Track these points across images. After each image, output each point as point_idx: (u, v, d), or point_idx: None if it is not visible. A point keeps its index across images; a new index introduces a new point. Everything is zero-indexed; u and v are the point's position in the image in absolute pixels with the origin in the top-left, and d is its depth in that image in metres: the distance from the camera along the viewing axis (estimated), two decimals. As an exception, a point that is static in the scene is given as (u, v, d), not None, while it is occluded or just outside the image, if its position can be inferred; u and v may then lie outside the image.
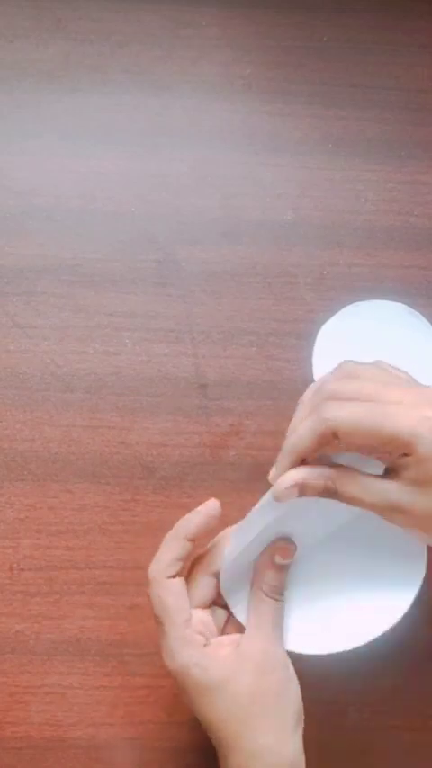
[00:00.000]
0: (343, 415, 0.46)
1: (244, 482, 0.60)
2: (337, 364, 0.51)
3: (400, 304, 0.64)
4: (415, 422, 0.45)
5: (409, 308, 0.64)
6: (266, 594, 0.50)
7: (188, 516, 0.51)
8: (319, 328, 0.63)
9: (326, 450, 0.48)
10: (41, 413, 0.61)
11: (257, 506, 0.50)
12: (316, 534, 0.51)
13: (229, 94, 0.69)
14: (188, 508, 0.58)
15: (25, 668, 0.56)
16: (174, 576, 0.49)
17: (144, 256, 0.65)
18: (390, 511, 0.46)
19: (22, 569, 0.58)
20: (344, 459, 0.48)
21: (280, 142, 0.68)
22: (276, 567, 0.50)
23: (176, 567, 0.49)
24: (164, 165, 0.67)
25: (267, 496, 0.49)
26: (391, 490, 0.46)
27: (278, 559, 0.50)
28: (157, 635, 0.49)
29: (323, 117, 0.69)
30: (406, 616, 0.57)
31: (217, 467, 0.60)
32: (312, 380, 0.62)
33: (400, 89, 0.70)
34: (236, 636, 0.50)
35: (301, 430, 0.48)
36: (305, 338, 0.63)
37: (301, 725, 0.49)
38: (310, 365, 0.63)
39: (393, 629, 0.58)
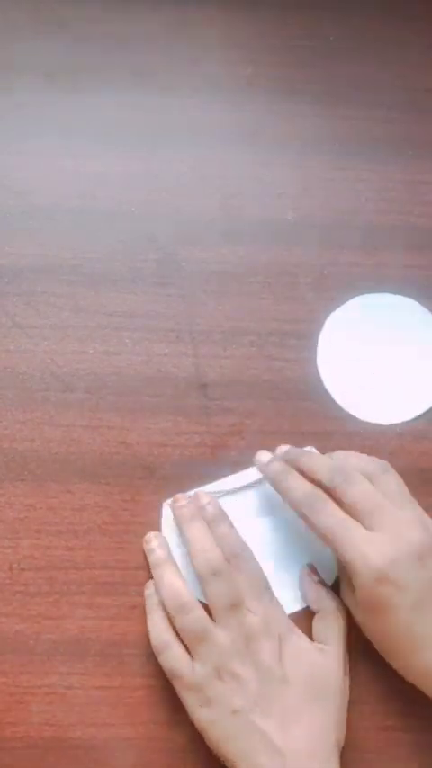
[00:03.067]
0: (318, 524, 0.53)
1: (244, 482, 0.60)
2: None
3: (408, 299, 0.64)
4: (357, 556, 0.51)
5: (417, 303, 0.64)
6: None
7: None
8: (320, 328, 0.63)
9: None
10: (41, 413, 0.61)
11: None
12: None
13: (231, 94, 0.69)
14: (188, 508, 0.58)
15: (25, 668, 0.56)
16: None
17: (144, 256, 0.65)
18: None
19: (22, 569, 0.58)
20: None
21: (281, 142, 0.68)
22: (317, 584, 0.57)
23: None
24: (164, 165, 0.67)
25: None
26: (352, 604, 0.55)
27: (314, 578, 0.57)
28: None
29: (327, 116, 0.69)
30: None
31: (217, 467, 0.60)
32: (317, 371, 0.62)
33: (406, 89, 0.70)
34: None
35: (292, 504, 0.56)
36: (305, 338, 0.63)
37: None
38: (314, 359, 0.63)
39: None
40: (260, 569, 0.55)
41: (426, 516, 0.55)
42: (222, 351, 0.63)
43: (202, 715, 0.52)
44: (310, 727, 0.51)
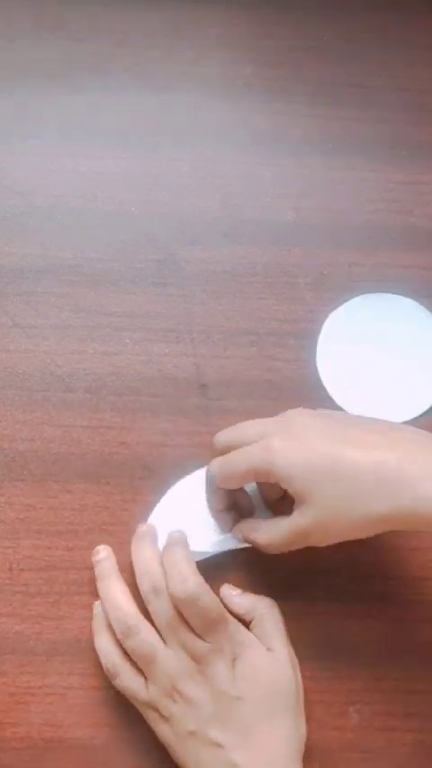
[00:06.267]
0: (214, 469, 0.55)
1: (244, 482, 0.60)
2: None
3: (408, 299, 0.64)
4: (262, 451, 0.51)
5: (417, 303, 0.64)
6: None
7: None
8: (320, 328, 0.64)
9: None
10: (41, 413, 0.61)
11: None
12: None
13: (230, 94, 0.69)
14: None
15: (25, 669, 0.56)
16: None
17: (144, 256, 0.65)
18: (290, 545, 0.53)
19: (22, 569, 0.58)
20: None
21: (280, 142, 0.68)
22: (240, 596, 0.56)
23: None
24: (164, 165, 0.67)
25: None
26: (283, 526, 0.52)
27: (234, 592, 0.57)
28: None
29: (323, 117, 0.69)
30: (406, 617, 0.58)
31: (217, 467, 0.60)
32: (316, 371, 0.62)
33: (400, 89, 0.70)
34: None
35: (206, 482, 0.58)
36: (305, 338, 0.63)
37: None
38: (314, 359, 0.63)
39: (394, 628, 0.58)
40: (211, 604, 0.52)
41: None
42: (222, 351, 0.63)
43: (161, 731, 0.53)
44: (270, 742, 0.51)
